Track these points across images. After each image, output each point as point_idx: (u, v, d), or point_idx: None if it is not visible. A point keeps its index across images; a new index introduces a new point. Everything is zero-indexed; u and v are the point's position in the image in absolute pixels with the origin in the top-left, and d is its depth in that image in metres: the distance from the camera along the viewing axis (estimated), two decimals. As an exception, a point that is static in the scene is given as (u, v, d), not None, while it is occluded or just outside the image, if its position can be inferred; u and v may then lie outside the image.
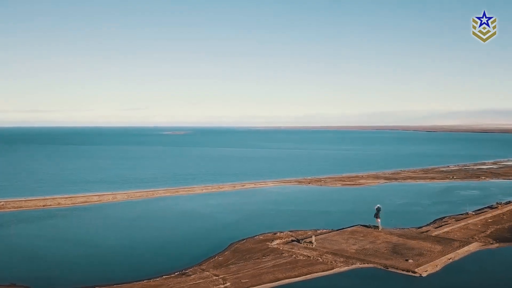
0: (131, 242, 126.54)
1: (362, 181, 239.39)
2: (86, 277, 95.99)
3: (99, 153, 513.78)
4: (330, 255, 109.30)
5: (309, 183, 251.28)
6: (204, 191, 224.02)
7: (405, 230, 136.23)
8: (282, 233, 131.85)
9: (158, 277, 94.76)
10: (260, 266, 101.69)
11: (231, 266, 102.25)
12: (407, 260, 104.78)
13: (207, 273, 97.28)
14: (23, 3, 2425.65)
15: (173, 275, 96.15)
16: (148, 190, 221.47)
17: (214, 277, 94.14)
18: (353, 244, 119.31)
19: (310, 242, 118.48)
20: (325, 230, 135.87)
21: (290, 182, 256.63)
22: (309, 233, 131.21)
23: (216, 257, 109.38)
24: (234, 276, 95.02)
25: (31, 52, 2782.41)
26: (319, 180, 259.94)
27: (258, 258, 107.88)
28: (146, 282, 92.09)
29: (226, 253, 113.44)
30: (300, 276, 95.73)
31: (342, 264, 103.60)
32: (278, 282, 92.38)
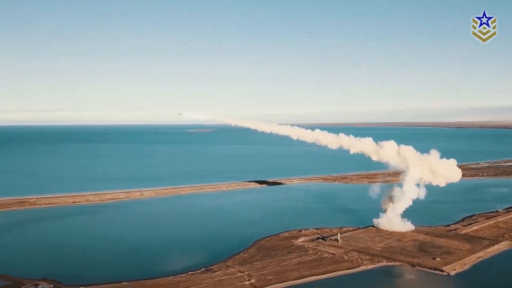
0: (157, 239, 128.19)
1: (389, 178, 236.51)
2: (114, 272, 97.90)
3: (125, 151, 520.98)
4: (356, 253, 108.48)
5: (335, 180, 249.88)
6: (229, 188, 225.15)
7: (433, 228, 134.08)
8: (307, 231, 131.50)
9: (184, 273, 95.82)
10: (285, 263, 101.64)
11: (256, 263, 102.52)
12: (434, 258, 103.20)
13: (232, 269, 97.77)
14: (32, 5, 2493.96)
15: (198, 271, 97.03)
16: (174, 187, 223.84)
17: (239, 274, 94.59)
18: (379, 242, 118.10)
19: (336, 239, 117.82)
20: (350, 228, 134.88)
21: (316, 179, 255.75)
22: (334, 230, 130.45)
23: (241, 254, 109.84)
24: (259, 272, 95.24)
25: (47, 54, 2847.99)
26: (345, 178, 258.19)
27: (283, 255, 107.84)
28: (173, 278, 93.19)
29: (251, 250, 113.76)
30: (325, 273, 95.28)
31: (368, 262, 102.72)
32: (303, 279, 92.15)
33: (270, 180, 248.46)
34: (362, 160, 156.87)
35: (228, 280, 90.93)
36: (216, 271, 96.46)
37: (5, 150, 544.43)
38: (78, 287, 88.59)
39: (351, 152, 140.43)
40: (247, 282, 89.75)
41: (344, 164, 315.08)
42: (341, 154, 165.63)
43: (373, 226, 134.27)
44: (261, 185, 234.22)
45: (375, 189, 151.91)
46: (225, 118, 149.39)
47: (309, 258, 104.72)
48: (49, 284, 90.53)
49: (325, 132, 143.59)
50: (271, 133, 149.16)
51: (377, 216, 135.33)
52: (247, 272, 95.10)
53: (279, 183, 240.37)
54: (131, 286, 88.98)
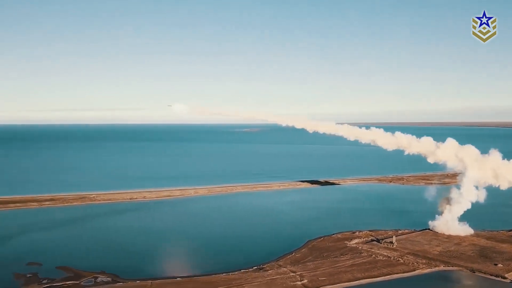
0: (211, 236, 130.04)
1: (447, 180, 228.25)
2: (169, 268, 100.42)
3: (178, 150, 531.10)
4: (412, 256, 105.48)
5: (390, 182, 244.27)
6: (281, 187, 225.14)
7: (494, 232, 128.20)
8: (361, 232, 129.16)
9: (236, 271, 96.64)
10: (338, 264, 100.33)
11: (308, 263, 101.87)
12: (496, 264, 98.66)
13: (284, 269, 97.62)
14: (32, 5, 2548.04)
15: (250, 269, 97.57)
16: (227, 185, 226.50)
17: (291, 274, 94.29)
18: (437, 246, 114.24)
19: (391, 242, 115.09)
20: (406, 230, 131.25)
21: (370, 180, 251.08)
22: (389, 233, 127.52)
23: (293, 254, 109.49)
24: (312, 273, 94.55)
25: (47, 54, 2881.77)
26: (401, 179, 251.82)
27: (336, 257, 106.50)
28: (225, 275, 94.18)
29: (303, 250, 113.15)
30: (379, 276, 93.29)
31: (424, 266, 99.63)
32: (356, 281, 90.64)
33: (322, 180, 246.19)
34: (417, 160, 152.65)
35: (280, 279, 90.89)
36: (268, 270, 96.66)
37: (49, 147, 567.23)
38: (135, 281, 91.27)
39: (406, 152, 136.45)
40: (299, 282, 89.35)
41: (398, 164, 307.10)
42: (394, 153, 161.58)
43: (429, 229, 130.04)
44: (313, 185, 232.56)
45: (431, 190, 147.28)
46: (224, 114, 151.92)
47: (363, 260, 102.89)
48: (107, 277, 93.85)
49: (382, 132, 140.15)
50: (323, 134, 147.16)
51: (434, 219, 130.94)
52: (299, 272, 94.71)
53: (332, 183, 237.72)
54: (185, 282, 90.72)
